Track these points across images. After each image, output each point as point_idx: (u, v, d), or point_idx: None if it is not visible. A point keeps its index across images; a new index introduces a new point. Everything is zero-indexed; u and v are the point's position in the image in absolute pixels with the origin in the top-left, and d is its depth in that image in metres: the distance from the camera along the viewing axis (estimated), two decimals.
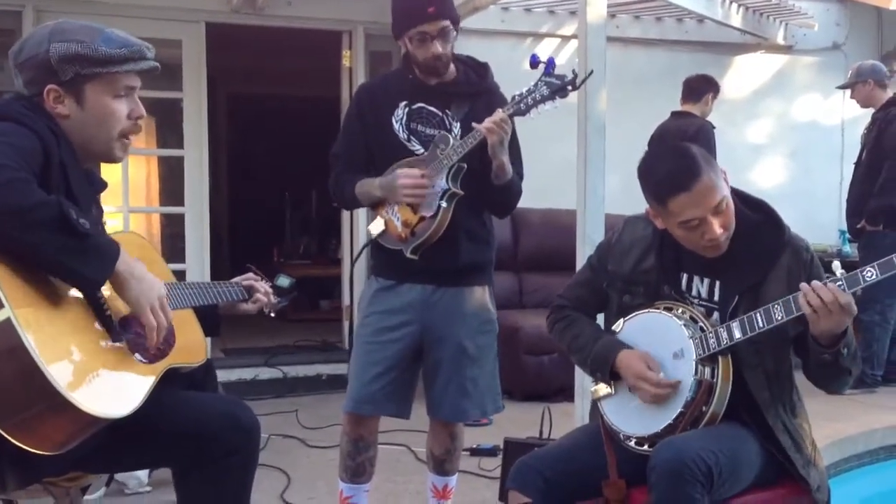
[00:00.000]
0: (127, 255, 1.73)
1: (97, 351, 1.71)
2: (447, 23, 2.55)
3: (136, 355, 1.81)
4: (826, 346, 1.95)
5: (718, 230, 2.02)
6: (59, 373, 1.56)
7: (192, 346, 2.04)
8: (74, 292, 1.72)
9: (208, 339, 2.16)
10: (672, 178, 2.03)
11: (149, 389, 1.77)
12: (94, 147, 1.89)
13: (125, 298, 1.74)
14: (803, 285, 1.90)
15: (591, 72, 3.23)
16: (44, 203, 1.58)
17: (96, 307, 1.75)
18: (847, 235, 6.32)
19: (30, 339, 1.53)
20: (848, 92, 5.52)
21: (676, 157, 2.07)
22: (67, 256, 1.61)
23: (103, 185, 2.02)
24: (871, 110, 5.34)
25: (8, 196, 1.54)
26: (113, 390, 1.69)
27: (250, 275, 2.30)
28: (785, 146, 6.65)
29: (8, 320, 1.52)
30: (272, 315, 2.40)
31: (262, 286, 2.29)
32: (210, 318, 2.17)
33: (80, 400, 1.57)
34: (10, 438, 1.55)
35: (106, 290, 1.76)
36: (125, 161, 5.35)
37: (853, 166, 5.42)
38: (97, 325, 1.74)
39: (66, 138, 1.82)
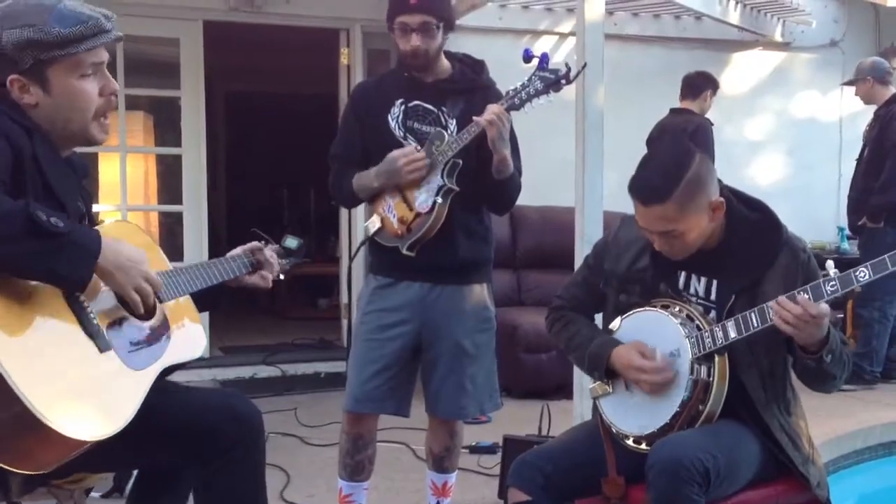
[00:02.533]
0: (109, 241, 1.66)
1: (83, 364, 1.63)
2: (429, 18, 2.54)
3: (127, 361, 1.73)
4: (811, 352, 1.97)
5: (662, 247, 2.08)
6: (40, 398, 1.49)
7: (190, 338, 1.96)
8: (58, 304, 1.64)
9: (207, 334, 2.09)
10: (640, 184, 2.05)
11: (140, 399, 1.70)
12: (71, 130, 1.81)
13: (111, 286, 1.69)
14: (773, 305, 1.92)
15: (585, 65, 3.24)
16: (7, 213, 1.50)
17: (80, 316, 1.67)
18: (846, 232, 6.33)
19: (4, 364, 1.47)
20: (851, 88, 5.52)
21: (666, 165, 2.04)
22: (44, 261, 1.54)
23: (85, 169, 1.96)
24: (873, 107, 5.33)
25: None
26: (101, 407, 1.62)
27: (255, 243, 2.21)
28: (783, 143, 6.65)
29: None
30: (282, 277, 2.31)
31: (271, 258, 2.19)
32: (212, 293, 2.08)
33: (65, 426, 1.51)
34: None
35: (88, 292, 1.69)
36: (123, 159, 5.39)
37: (855, 163, 5.40)
38: (84, 338, 1.66)
39: (38, 131, 1.74)
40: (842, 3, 6.71)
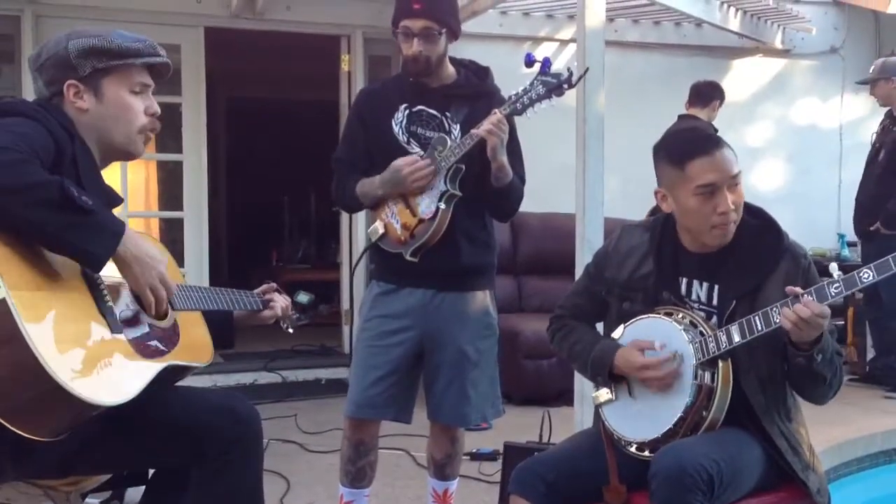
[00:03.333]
0: (134, 233, 1.76)
1: (94, 340, 1.70)
2: (431, 23, 2.54)
3: (136, 348, 1.79)
4: (802, 350, 1.97)
5: (731, 204, 2.05)
6: (52, 357, 1.55)
7: (198, 345, 2.01)
8: (76, 282, 1.72)
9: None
10: (694, 141, 2.11)
11: (145, 382, 1.75)
12: (114, 140, 1.93)
13: (126, 277, 1.77)
14: (784, 311, 1.92)
15: (587, 69, 3.24)
16: (45, 182, 1.61)
17: (97, 298, 1.75)
18: (846, 239, 6.32)
19: (24, 322, 1.53)
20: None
21: (698, 130, 2.20)
22: (71, 233, 1.64)
23: (118, 200, 2.03)
24: (873, 114, 5.28)
25: (8, 175, 1.57)
26: (107, 379, 1.68)
27: (271, 285, 2.30)
28: (783, 150, 6.66)
29: (3, 301, 1.53)
30: (291, 331, 2.40)
31: (281, 299, 2.28)
32: (224, 329, 2.16)
33: (72, 384, 1.56)
34: (4, 423, 1.55)
35: (109, 274, 1.77)
36: (124, 165, 5.38)
37: (865, 166, 5.29)
38: (97, 316, 1.74)
39: (80, 138, 1.86)
40: (841, 10, 6.72)
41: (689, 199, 2.07)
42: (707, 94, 5.42)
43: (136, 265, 1.76)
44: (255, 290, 2.27)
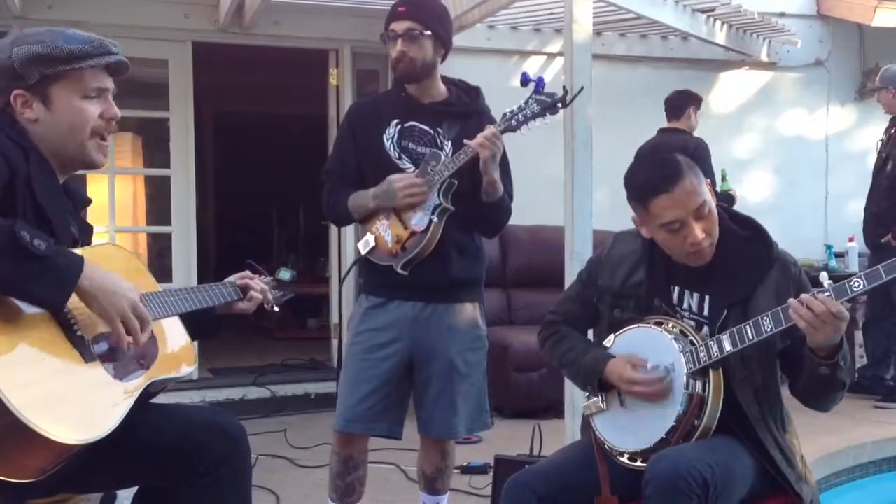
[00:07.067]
0: (94, 268, 1.68)
1: (67, 372, 1.65)
2: (414, 24, 2.58)
3: (114, 372, 1.74)
4: (824, 357, 1.95)
5: (700, 234, 2.04)
6: (22, 400, 1.50)
7: (179, 353, 1.96)
8: (41, 315, 1.65)
9: (196, 353, 2.07)
10: (653, 179, 2.06)
11: (126, 408, 1.71)
12: (69, 151, 1.85)
13: (95, 311, 1.70)
14: (792, 301, 1.91)
15: (582, 88, 3.26)
16: None
17: (65, 326, 1.69)
18: (833, 250, 6.35)
19: None
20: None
21: (659, 161, 2.11)
22: (23, 281, 1.56)
23: (86, 201, 1.98)
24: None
25: None
26: (85, 413, 1.63)
27: (247, 272, 2.24)
28: (770, 161, 6.70)
29: None
30: (276, 309, 2.32)
31: (258, 283, 2.21)
32: (207, 320, 2.11)
33: (47, 428, 1.51)
34: None
35: (75, 305, 1.70)
36: (111, 180, 5.37)
37: (873, 174, 5.27)
38: (67, 347, 1.67)
39: (36, 151, 1.78)
40: (826, 23, 6.78)
41: (658, 233, 2.09)
42: (678, 104, 5.42)
43: (102, 297, 1.68)
44: (232, 277, 2.19)
